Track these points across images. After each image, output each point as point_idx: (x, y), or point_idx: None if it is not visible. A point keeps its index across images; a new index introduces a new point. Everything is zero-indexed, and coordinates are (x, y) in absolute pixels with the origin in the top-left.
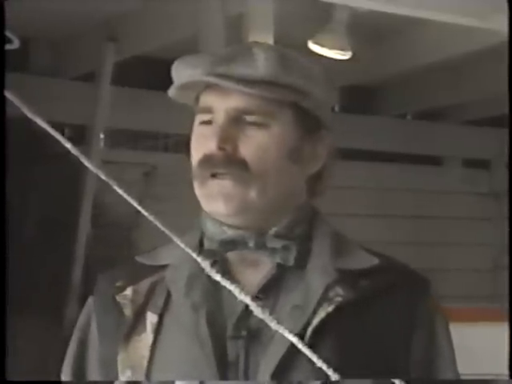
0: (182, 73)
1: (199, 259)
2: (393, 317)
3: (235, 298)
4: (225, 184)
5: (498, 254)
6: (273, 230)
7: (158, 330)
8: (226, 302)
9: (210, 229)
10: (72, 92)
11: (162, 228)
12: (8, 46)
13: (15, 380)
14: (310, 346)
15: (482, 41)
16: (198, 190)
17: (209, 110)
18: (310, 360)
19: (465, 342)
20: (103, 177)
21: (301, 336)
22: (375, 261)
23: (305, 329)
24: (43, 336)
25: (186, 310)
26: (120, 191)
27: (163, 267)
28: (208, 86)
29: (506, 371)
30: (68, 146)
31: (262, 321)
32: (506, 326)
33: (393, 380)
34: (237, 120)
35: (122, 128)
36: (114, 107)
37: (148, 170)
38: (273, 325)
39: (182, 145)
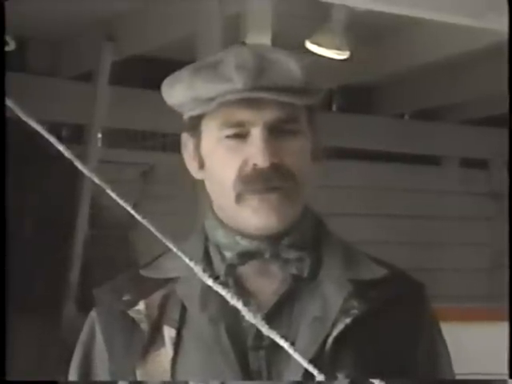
0: (209, 87)
1: (208, 279)
2: (401, 325)
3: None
4: (275, 198)
5: (496, 253)
6: (286, 240)
7: (177, 344)
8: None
9: (222, 240)
10: (70, 91)
11: (164, 240)
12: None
13: (14, 380)
14: (331, 356)
15: (479, 40)
16: (236, 206)
17: (240, 124)
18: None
19: (463, 341)
20: (97, 180)
21: (321, 347)
22: (383, 271)
23: (325, 340)
24: (41, 336)
25: (204, 323)
26: (114, 195)
27: (172, 279)
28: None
29: (506, 371)
30: (61, 148)
31: (282, 330)
32: (505, 326)
33: (372, 380)
34: (275, 131)
35: (119, 127)
36: (112, 107)
37: (146, 169)
38: (285, 346)
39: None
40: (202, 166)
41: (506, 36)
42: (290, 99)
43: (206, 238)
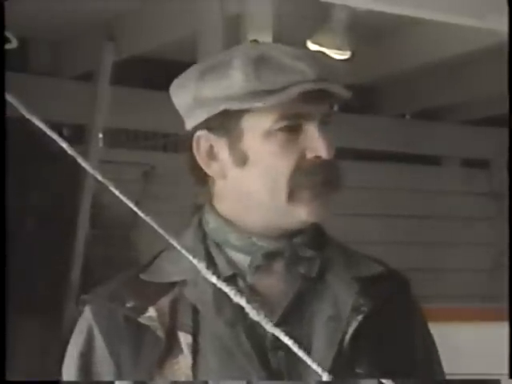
0: (275, 78)
1: (222, 284)
2: (399, 321)
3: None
4: (327, 192)
5: (497, 253)
6: (298, 238)
7: (195, 350)
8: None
9: (235, 242)
10: (71, 91)
11: (167, 236)
12: (6, 46)
13: (15, 380)
14: (350, 353)
15: (479, 40)
16: (286, 200)
17: (299, 117)
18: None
19: (464, 341)
20: (100, 178)
21: (340, 345)
22: (379, 268)
23: (342, 338)
24: (42, 336)
25: (220, 327)
26: (117, 193)
27: (177, 283)
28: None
29: (506, 371)
30: (64, 146)
31: (299, 330)
32: (505, 326)
33: (382, 380)
34: (323, 124)
35: (120, 128)
36: (113, 107)
37: (147, 169)
38: (300, 354)
39: (182, 144)
40: (243, 162)
41: (505, 36)
42: (346, 93)
43: (204, 238)
